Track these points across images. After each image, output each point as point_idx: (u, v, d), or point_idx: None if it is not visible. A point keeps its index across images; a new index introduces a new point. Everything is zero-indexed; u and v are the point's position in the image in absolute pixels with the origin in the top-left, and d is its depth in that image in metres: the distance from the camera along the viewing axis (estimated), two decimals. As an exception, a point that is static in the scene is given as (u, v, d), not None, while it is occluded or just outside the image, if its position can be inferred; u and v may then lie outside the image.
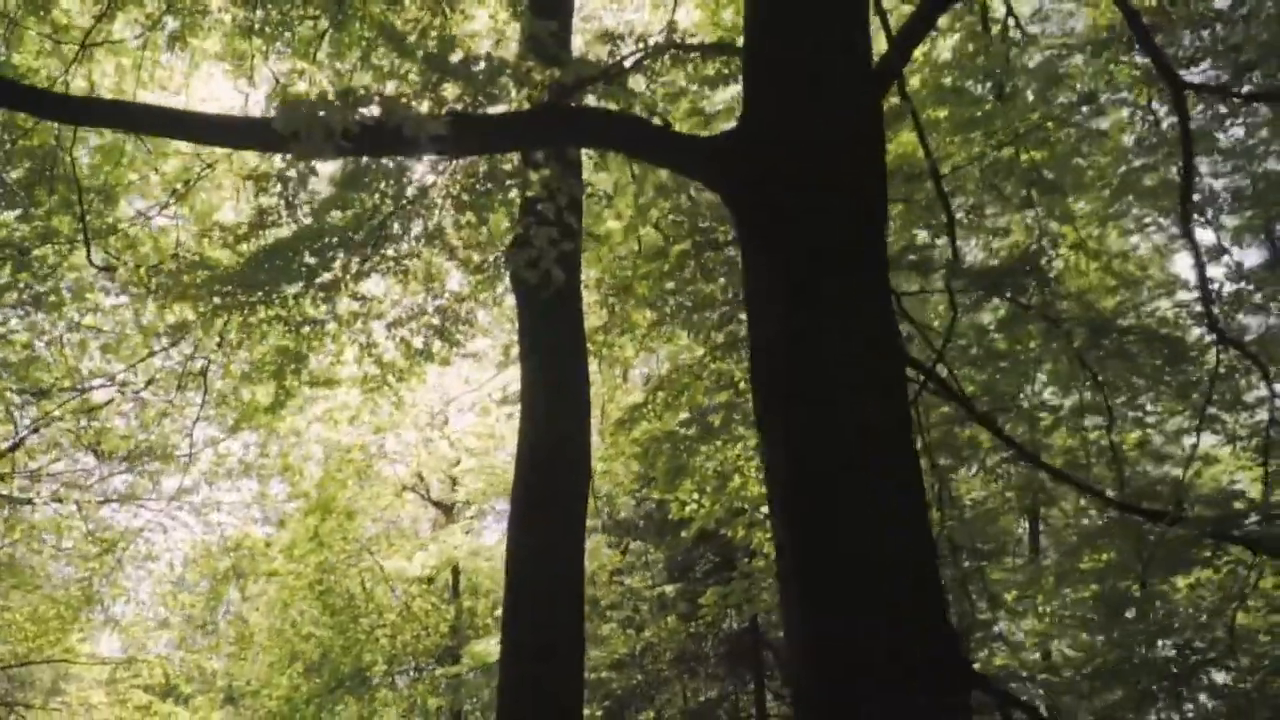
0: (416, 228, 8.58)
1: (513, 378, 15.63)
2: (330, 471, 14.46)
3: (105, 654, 18.98)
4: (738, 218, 5.63)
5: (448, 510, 23.52)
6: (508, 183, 7.87)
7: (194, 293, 7.68)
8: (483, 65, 6.60)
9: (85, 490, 15.20)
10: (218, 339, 10.06)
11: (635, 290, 9.49)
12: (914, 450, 5.09)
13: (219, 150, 12.27)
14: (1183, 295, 8.82)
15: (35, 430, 15.19)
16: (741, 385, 8.57)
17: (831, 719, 4.63)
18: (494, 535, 16.91)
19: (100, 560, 14.30)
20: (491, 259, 8.95)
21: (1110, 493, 7.88)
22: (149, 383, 14.13)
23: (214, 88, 12.83)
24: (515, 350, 11.82)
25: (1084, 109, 8.42)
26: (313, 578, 19.95)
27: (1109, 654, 6.84)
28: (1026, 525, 17.40)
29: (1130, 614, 7.84)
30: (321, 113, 5.04)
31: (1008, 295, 7.71)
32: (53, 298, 10.91)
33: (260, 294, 7.93)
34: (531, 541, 8.32)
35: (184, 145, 12.65)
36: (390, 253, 8.28)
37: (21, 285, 10.48)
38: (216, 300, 7.84)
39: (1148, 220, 8.72)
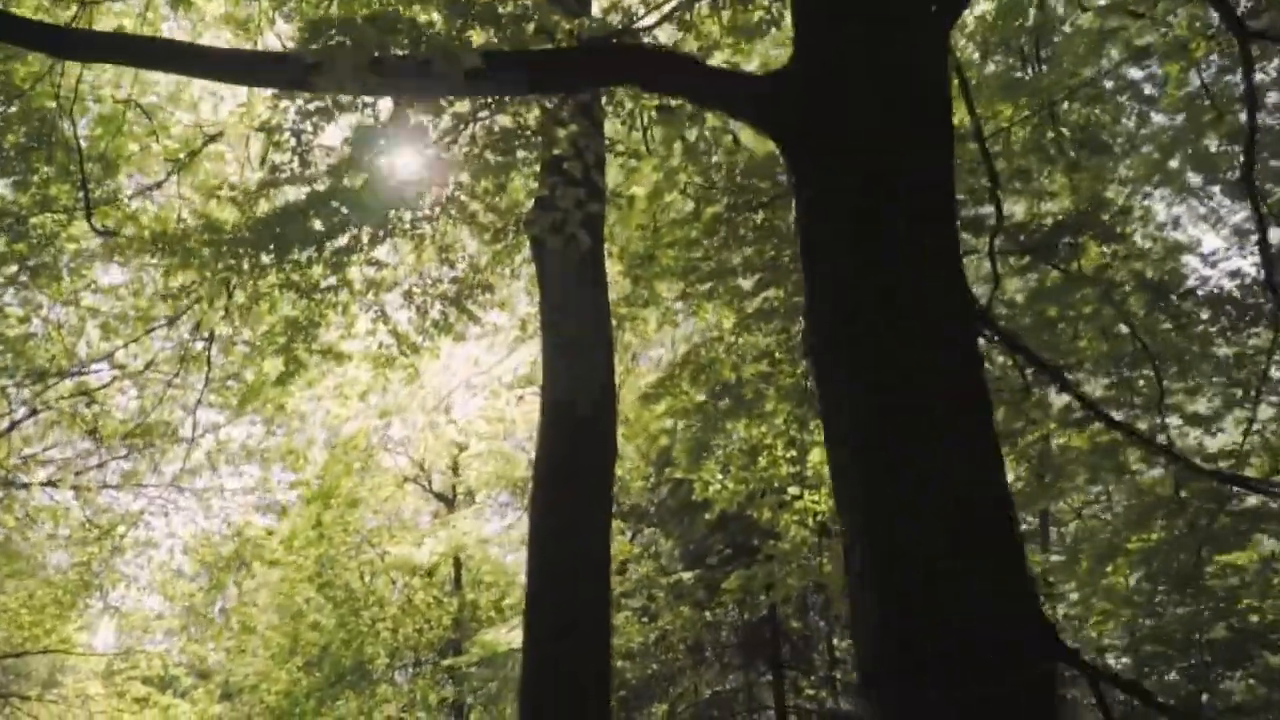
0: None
1: (523, 360, 15.32)
2: (337, 454, 14.08)
3: (103, 645, 18.67)
4: (792, 160, 5.27)
5: (449, 502, 23.23)
6: (532, 140, 7.52)
7: (201, 255, 7.30)
8: (510, 8, 6.26)
9: (83, 474, 14.83)
10: (223, 309, 9.70)
11: (660, 259, 9.13)
12: (989, 403, 4.75)
13: (222, 120, 11.94)
14: (1235, 263, 8.47)
15: (33, 414, 14.81)
16: (777, 355, 8.22)
17: (907, 706, 4.25)
18: (502, 523, 16.54)
19: (99, 544, 13.90)
20: (512, 223, 8.60)
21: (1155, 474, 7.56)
22: (148, 365, 13.77)
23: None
24: (532, 325, 11.50)
25: (1133, 68, 8.08)
26: (313, 570, 19.66)
27: (1168, 629, 6.50)
28: (1035, 519, 17.08)
29: (1180, 593, 7.49)
30: (348, 40, 4.68)
31: (1056, 263, 7.37)
32: (50, 270, 10.52)
33: (269, 258, 7.55)
34: (555, 518, 7.97)
35: (186, 115, 12.32)
36: (406, 217, 7.91)
37: (19, 257, 10.09)
38: (223, 264, 7.46)
39: (1196, 184, 8.38)
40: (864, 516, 4.54)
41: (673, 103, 8.71)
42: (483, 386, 15.14)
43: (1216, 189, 8.64)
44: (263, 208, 7.65)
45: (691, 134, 8.87)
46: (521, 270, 10.10)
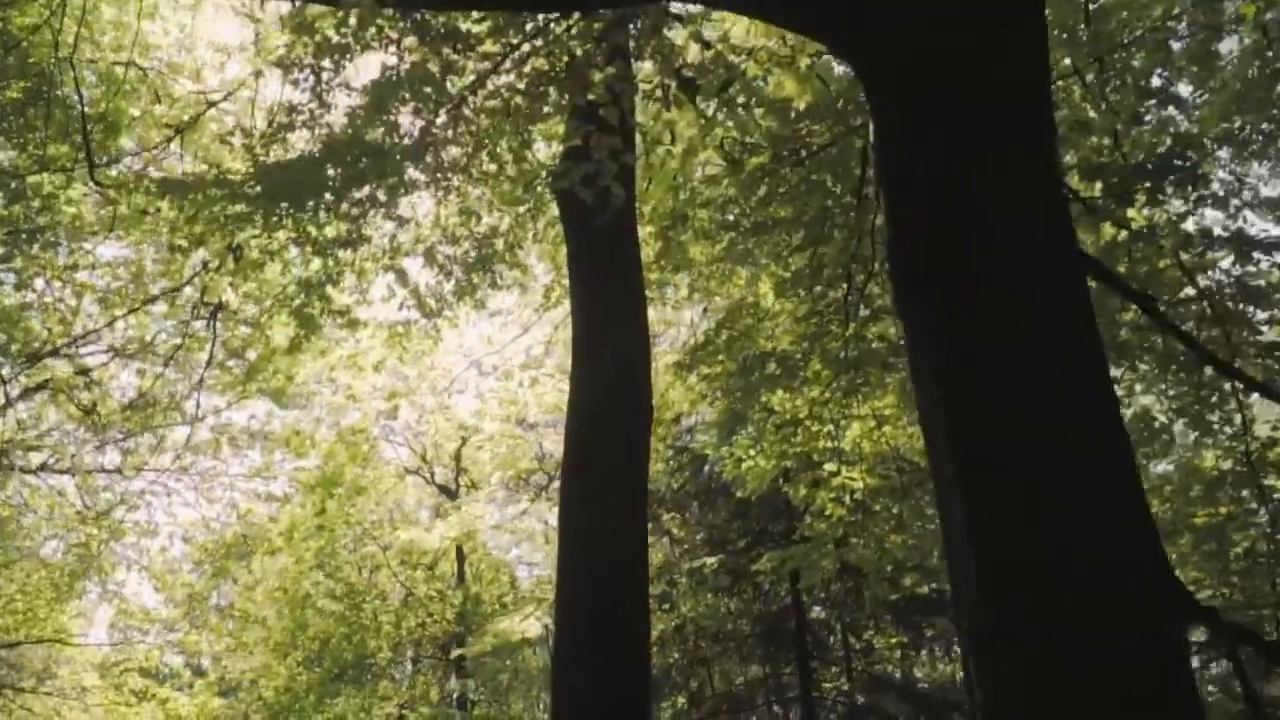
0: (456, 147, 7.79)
1: (537, 339, 14.89)
2: (344, 435, 13.63)
3: (100, 635, 18.22)
4: (873, 83, 4.84)
5: (452, 494, 22.82)
6: (565, 83, 7.08)
7: (210, 200, 6.83)
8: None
9: (80, 457, 14.37)
10: (229, 276, 9.24)
11: (694, 220, 8.70)
12: (1098, 337, 4.32)
13: (230, 80, 11.48)
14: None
15: (28, 394, 14.33)
16: (825, 316, 7.77)
17: (1020, 668, 3.80)
18: (515, 509, 16.07)
19: (97, 524, 13.42)
20: (539, 179, 8.16)
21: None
22: (147, 345, 13.30)
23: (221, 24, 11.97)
24: (556, 293, 11.05)
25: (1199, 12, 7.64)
26: (313, 563, 19.28)
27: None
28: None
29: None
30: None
31: (1122, 211, 6.94)
32: (48, 236, 10.06)
33: (282, 209, 7.09)
34: (587, 497, 7.48)
35: (188, 80, 11.85)
36: (427, 172, 7.46)
37: (15, 220, 9.61)
38: (234, 213, 7.00)
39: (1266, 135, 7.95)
40: (959, 464, 4.12)
41: (696, 77, 8.33)
42: (495, 368, 14.73)
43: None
44: (276, 153, 7.18)
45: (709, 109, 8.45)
46: (545, 235, 9.65)
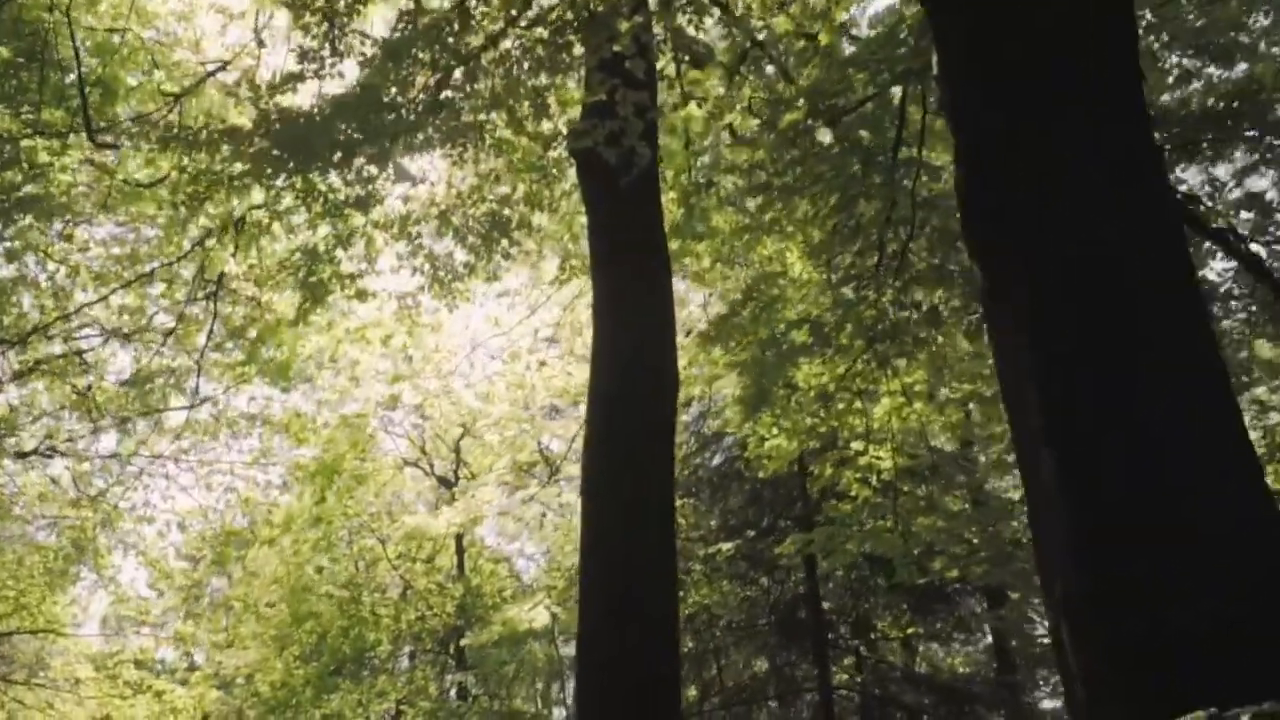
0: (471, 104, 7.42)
1: (545, 321, 14.53)
2: (346, 420, 13.27)
3: (95, 627, 17.84)
4: (938, 8, 4.50)
5: (451, 486, 22.48)
6: (591, 31, 6.73)
7: (218, 149, 6.46)
8: None
9: (73, 442, 13.99)
10: (232, 246, 8.88)
11: (720, 186, 8.35)
12: (1196, 282, 3.99)
13: (227, 50, 11.09)
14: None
15: (18, 378, 13.94)
16: (862, 280, 7.42)
17: (1126, 632, 3.45)
18: (521, 494, 15.65)
19: (92, 506, 13.01)
20: (559, 138, 7.80)
21: None
22: (143, 327, 12.91)
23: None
24: (571, 265, 10.68)
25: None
26: (310, 556, 18.95)
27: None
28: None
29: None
30: None
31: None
32: (42, 205, 9.66)
33: (290, 166, 6.71)
34: (612, 474, 7.11)
35: (188, 51, 11.46)
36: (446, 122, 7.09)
37: (8, 186, 9.22)
38: (241, 165, 6.62)
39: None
40: (1045, 416, 3.78)
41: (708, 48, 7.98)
42: (501, 350, 14.39)
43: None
44: (285, 111, 6.80)
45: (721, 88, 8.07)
46: (561, 204, 9.28)
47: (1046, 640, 13.27)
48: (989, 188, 4.13)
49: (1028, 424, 3.90)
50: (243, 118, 7.10)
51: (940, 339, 7.66)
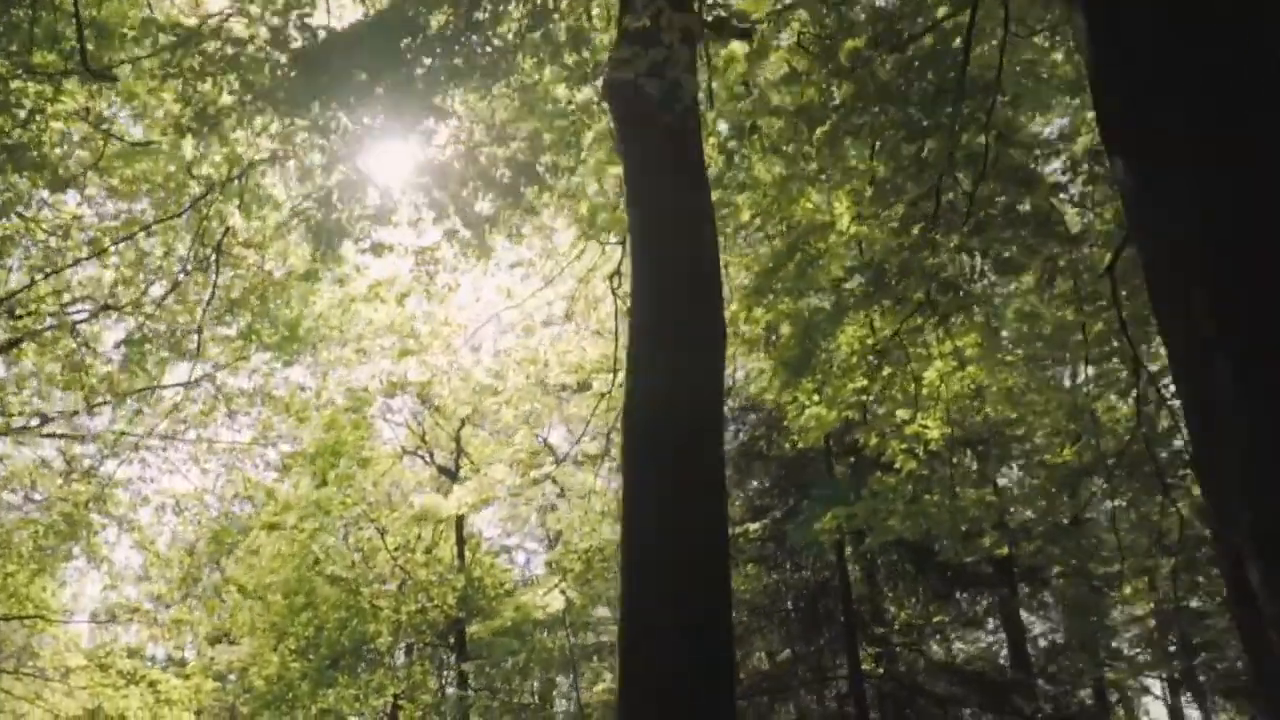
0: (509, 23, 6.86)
1: (560, 294, 13.98)
2: (352, 392, 12.71)
3: (87, 615, 17.22)
4: None
5: (453, 475, 21.98)
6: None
7: (226, 78, 5.90)
8: None
9: (65, 420, 13.41)
10: (238, 197, 8.32)
11: (765, 130, 7.79)
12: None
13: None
14: None
15: (5, 350, 13.34)
16: (931, 226, 6.86)
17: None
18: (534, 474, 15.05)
19: (85, 480, 12.41)
20: (597, 69, 7.25)
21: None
22: (138, 298, 12.33)
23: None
24: (598, 222, 10.12)
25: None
26: (307, 545, 18.46)
27: None
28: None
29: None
30: None
31: None
32: (34, 154, 9.07)
33: (307, 92, 6.15)
34: (655, 435, 6.46)
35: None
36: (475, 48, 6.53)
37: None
38: (250, 96, 6.05)
39: None
40: (1219, 318, 3.25)
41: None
42: (514, 324, 13.81)
43: None
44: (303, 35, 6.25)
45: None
46: (594, 152, 8.73)
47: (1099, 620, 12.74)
48: (1127, 110, 3.59)
49: (1193, 335, 3.38)
50: (256, 40, 6.48)
51: (1002, 295, 7.13)
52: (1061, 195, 6.76)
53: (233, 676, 20.89)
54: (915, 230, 6.64)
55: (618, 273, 12.21)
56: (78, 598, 18.59)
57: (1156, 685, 21.43)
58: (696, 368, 6.59)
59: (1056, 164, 6.83)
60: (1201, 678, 14.48)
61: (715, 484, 6.39)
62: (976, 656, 16.01)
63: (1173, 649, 12.24)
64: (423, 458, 25.90)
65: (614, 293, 12.36)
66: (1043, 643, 17.38)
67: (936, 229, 6.65)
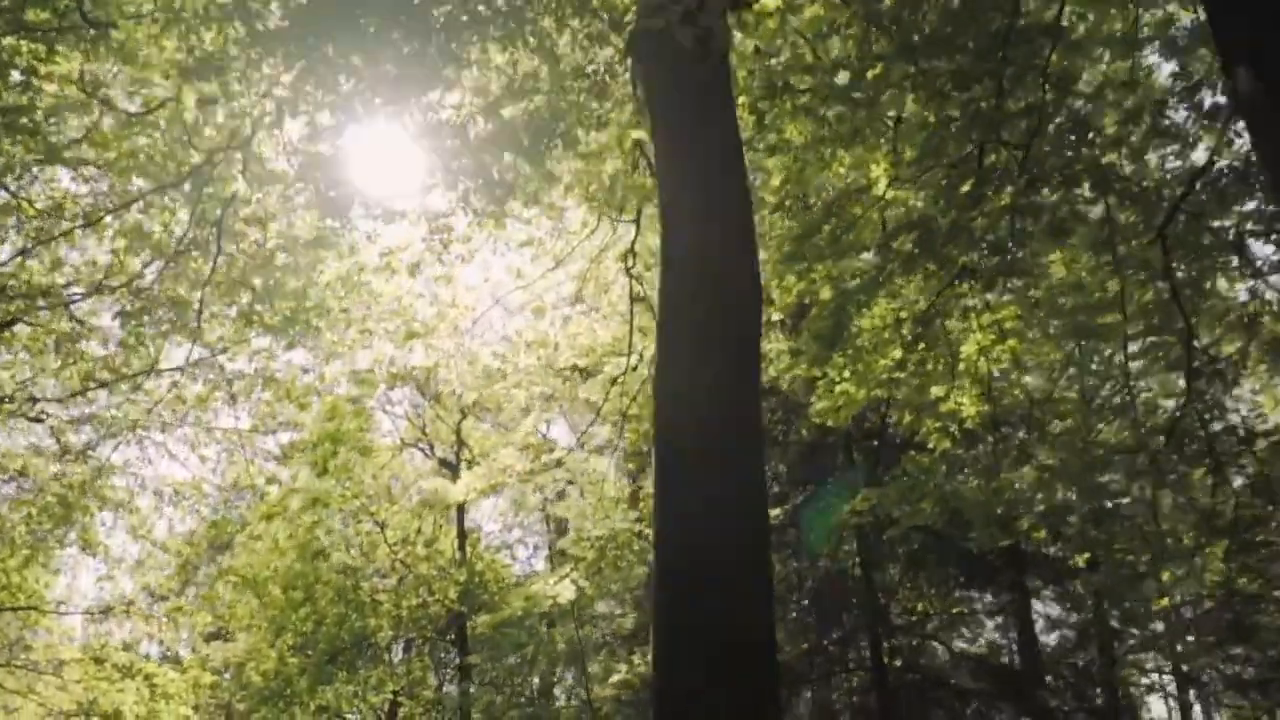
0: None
1: (571, 274, 13.58)
2: (356, 375, 12.32)
3: (82, 609, 16.78)
4: None
5: (454, 468, 21.62)
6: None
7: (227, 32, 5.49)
8: None
9: (60, 402, 12.99)
10: (241, 168, 7.91)
11: (796, 88, 7.39)
12: None
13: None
14: None
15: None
16: (988, 183, 6.46)
17: None
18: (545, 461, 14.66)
19: (80, 458, 11.98)
20: (624, 21, 6.86)
21: None
22: (132, 283, 11.90)
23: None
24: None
25: None
26: (307, 538, 18.07)
27: None
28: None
29: None
30: None
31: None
32: (24, 119, 8.65)
33: (316, 39, 5.76)
34: (690, 404, 6.03)
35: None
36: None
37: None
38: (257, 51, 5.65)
39: None
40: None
41: None
42: (523, 306, 13.41)
43: None
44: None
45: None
46: (618, 113, 8.32)
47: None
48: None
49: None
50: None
51: (1047, 263, 6.75)
52: (1120, 150, 6.39)
53: (228, 675, 20.49)
54: (967, 186, 6.24)
55: (631, 252, 11.81)
56: (72, 592, 18.18)
57: (1163, 681, 21.09)
58: (732, 326, 6.17)
59: (1115, 116, 6.47)
60: (1225, 670, 14.14)
61: (755, 450, 5.97)
62: (981, 654, 15.68)
63: (1212, 639, 11.90)
64: (423, 450, 25.56)
65: (628, 272, 11.96)
66: (1055, 635, 17.04)
67: (988, 187, 6.26)
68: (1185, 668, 14.69)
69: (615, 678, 15.43)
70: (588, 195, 10.50)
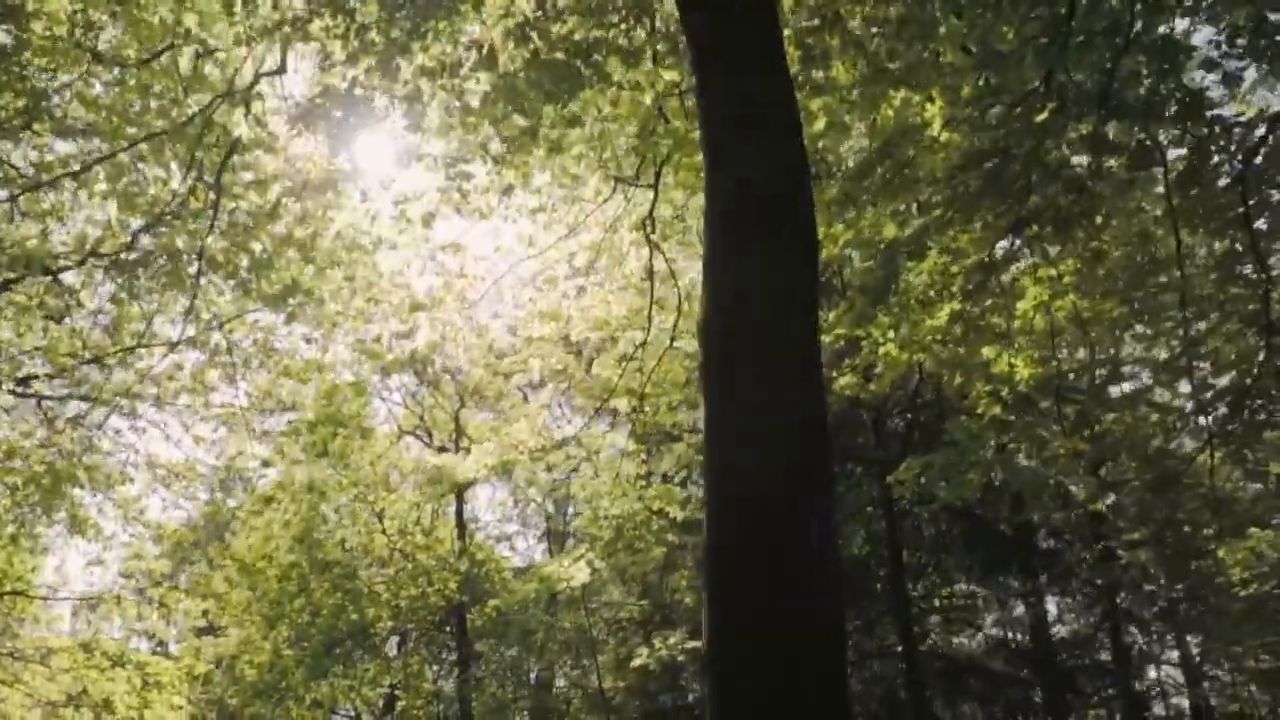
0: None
1: (585, 244, 13.03)
2: (359, 346, 11.78)
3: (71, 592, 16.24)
4: None
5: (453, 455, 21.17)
6: None
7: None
8: None
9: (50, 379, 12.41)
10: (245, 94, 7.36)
11: (845, 20, 6.87)
12: None
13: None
14: None
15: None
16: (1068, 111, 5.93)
17: None
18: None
19: (71, 427, 11.41)
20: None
21: None
22: (128, 247, 11.32)
23: None
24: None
25: None
26: (300, 531, 17.62)
27: None
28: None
29: None
30: None
31: None
32: (12, 59, 8.09)
33: None
34: (743, 358, 5.41)
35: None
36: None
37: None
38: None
39: None
40: None
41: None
42: (535, 276, 12.85)
43: None
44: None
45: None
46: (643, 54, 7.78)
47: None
48: None
49: None
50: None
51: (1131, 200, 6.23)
52: (1211, 75, 5.87)
53: (219, 672, 20.00)
54: (1046, 113, 5.71)
55: (650, 218, 11.28)
56: (61, 577, 17.61)
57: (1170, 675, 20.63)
58: (786, 274, 5.58)
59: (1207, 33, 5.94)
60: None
61: (817, 404, 5.39)
62: (1010, 639, 15.24)
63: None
64: (421, 438, 25.15)
65: (648, 239, 11.43)
66: (1079, 622, 16.53)
67: (1066, 115, 5.74)
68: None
69: (635, 662, 14.88)
70: (600, 162, 9.99)
